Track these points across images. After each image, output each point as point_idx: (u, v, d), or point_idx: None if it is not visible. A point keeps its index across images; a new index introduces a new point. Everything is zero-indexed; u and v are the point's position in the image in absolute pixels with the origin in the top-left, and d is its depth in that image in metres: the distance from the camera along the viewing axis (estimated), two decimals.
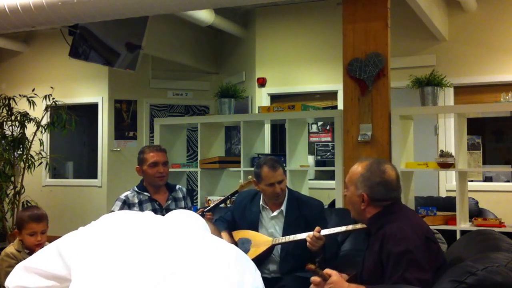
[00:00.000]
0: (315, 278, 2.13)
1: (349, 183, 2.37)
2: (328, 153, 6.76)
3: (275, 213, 3.29)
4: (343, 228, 2.92)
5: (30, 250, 2.88)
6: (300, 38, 6.80)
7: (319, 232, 2.95)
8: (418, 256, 2.06)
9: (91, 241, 1.40)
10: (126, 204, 3.41)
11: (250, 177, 3.85)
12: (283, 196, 3.30)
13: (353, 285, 2.11)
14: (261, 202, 3.35)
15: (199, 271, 1.33)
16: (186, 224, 1.50)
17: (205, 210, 3.57)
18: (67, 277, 1.40)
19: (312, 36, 6.73)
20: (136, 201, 3.44)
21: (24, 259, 1.63)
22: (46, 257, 1.46)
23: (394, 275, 2.05)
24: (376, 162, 2.36)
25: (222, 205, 4.22)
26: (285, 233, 3.20)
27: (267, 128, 6.29)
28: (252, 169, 4.88)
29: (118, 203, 3.42)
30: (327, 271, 2.13)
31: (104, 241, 1.39)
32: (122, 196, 3.47)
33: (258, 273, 1.44)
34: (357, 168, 2.35)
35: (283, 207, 3.29)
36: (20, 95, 6.54)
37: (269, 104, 6.73)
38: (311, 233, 2.96)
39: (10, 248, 3.00)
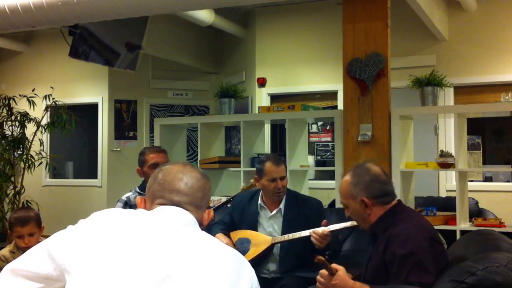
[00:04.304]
0: (323, 271, 2.13)
1: (345, 199, 2.36)
2: (328, 153, 6.76)
3: (273, 212, 3.29)
4: (348, 224, 2.89)
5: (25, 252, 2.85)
6: (300, 38, 6.80)
7: (325, 225, 2.93)
8: (422, 258, 2.05)
9: (84, 240, 1.37)
10: (128, 205, 3.40)
11: (252, 180, 3.85)
12: (283, 195, 3.30)
13: (357, 283, 2.11)
14: (259, 202, 3.34)
15: (195, 271, 1.32)
16: (179, 222, 1.47)
17: None
18: (58, 277, 1.37)
19: (312, 36, 6.73)
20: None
21: None
22: (35, 258, 1.40)
23: (398, 278, 2.05)
24: (357, 166, 2.39)
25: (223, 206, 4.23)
26: (284, 232, 3.19)
27: (267, 128, 6.29)
28: (252, 169, 4.89)
29: (120, 205, 3.42)
30: (335, 266, 2.13)
31: (98, 240, 1.36)
32: (124, 198, 3.46)
33: (253, 271, 1.43)
34: (345, 182, 2.35)
35: (281, 206, 3.28)
36: (20, 95, 6.54)
37: (269, 104, 6.73)
38: (317, 229, 2.91)
39: (5, 250, 2.98)
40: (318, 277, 2.15)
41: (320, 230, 2.92)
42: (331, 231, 2.92)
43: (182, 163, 1.63)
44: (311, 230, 2.95)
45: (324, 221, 2.97)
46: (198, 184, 1.56)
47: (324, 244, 2.91)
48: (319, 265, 2.14)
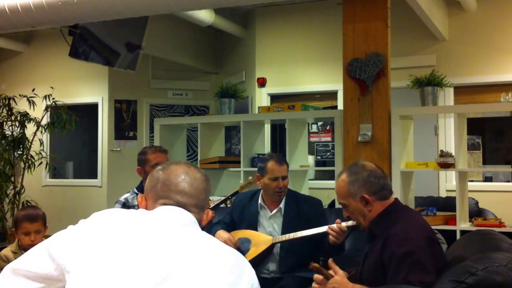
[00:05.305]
0: (317, 276, 2.13)
1: (344, 199, 2.31)
2: (328, 153, 6.76)
3: (273, 212, 3.28)
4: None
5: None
6: (300, 38, 6.80)
7: (339, 223, 2.85)
8: (421, 258, 2.04)
9: (84, 240, 1.37)
10: (126, 207, 3.39)
11: (250, 178, 3.85)
12: (284, 195, 3.30)
13: (357, 285, 2.11)
14: (259, 201, 3.34)
15: (195, 271, 1.33)
16: (180, 222, 1.47)
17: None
18: (58, 277, 1.38)
19: (312, 36, 6.73)
20: (136, 203, 3.41)
21: None
22: (36, 258, 1.41)
23: (397, 277, 2.04)
24: (352, 165, 2.37)
25: (222, 205, 4.22)
26: (284, 231, 3.19)
27: (267, 128, 6.29)
28: (252, 169, 4.90)
29: (118, 206, 3.40)
30: (335, 269, 2.13)
31: (98, 240, 1.36)
32: (122, 199, 3.45)
33: (253, 272, 1.43)
34: (342, 181, 2.31)
35: (281, 205, 3.28)
36: (20, 95, 6.54)
37: (269, 104, 6.73)
38: (333, 225, 2.85)
39: (6, 250, 2.97)
40: (314, 283, 2.15)
41: (337, 226, 2.83)
42: (348, 227, 2.83)
43: (184, 163, 1.62)
44: (327, 226, 2.89)
45: (338, 219, 2.89)
46: (202, 185, 1.57)
47: (340, 240, 2.84)
48: (314, 271, 2.14)
